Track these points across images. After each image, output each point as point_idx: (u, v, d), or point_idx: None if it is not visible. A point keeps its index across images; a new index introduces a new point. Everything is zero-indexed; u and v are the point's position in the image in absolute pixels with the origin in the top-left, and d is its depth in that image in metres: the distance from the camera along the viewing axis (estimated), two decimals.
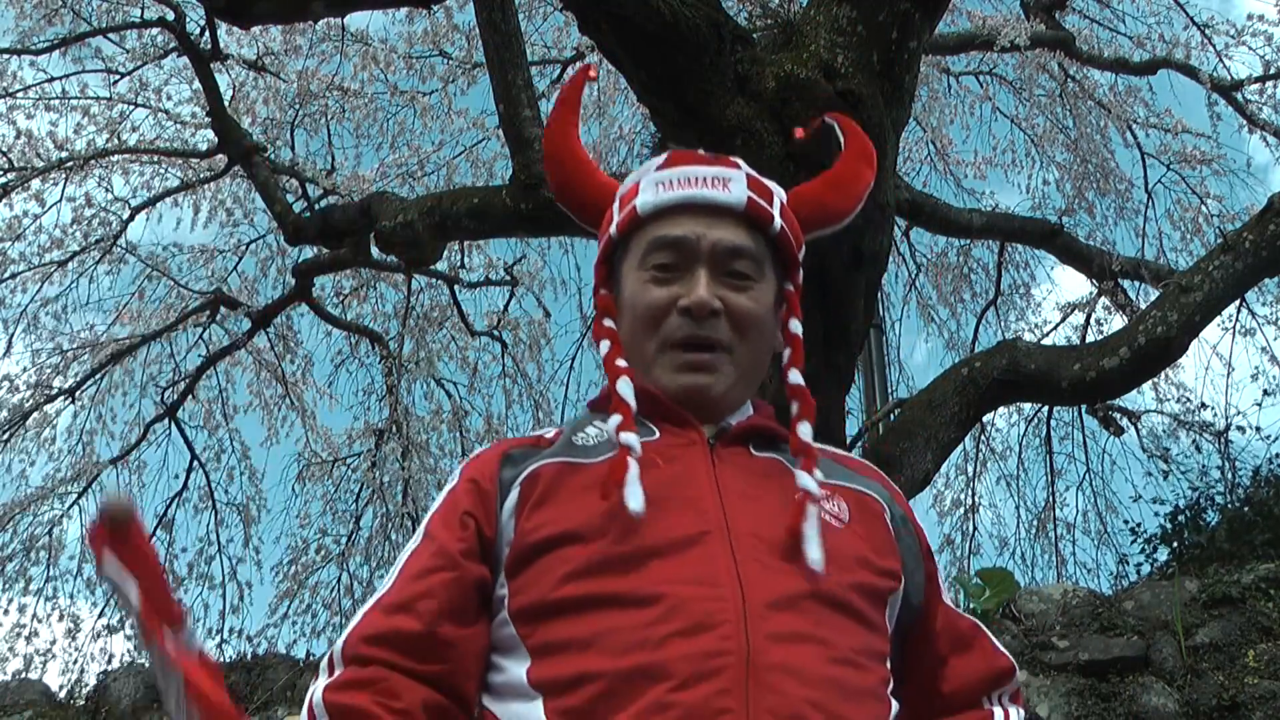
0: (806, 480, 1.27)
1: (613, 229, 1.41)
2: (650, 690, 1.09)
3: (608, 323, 1.39)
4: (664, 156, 1.46)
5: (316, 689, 1.20)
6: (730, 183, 1.40)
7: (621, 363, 1.33)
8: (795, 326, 1.44)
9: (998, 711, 1.39)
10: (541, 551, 1.22)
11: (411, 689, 1.18)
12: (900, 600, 1.33)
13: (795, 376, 1.40)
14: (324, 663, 1.23)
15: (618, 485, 1.19)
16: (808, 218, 1.48)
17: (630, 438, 1.24)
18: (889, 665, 1.28)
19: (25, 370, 8.65)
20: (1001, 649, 1.46)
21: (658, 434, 1.31)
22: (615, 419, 1.26)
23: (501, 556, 1.25)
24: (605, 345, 1.37)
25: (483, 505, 1.27)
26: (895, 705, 1.25)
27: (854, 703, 1.16)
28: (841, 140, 1.63)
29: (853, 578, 1.25)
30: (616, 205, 1.43)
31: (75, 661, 8.33)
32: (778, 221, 1.41)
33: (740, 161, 1.45)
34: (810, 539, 1.20)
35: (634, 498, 1.18)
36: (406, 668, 1.19)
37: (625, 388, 1.30)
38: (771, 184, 1.46)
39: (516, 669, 1.19)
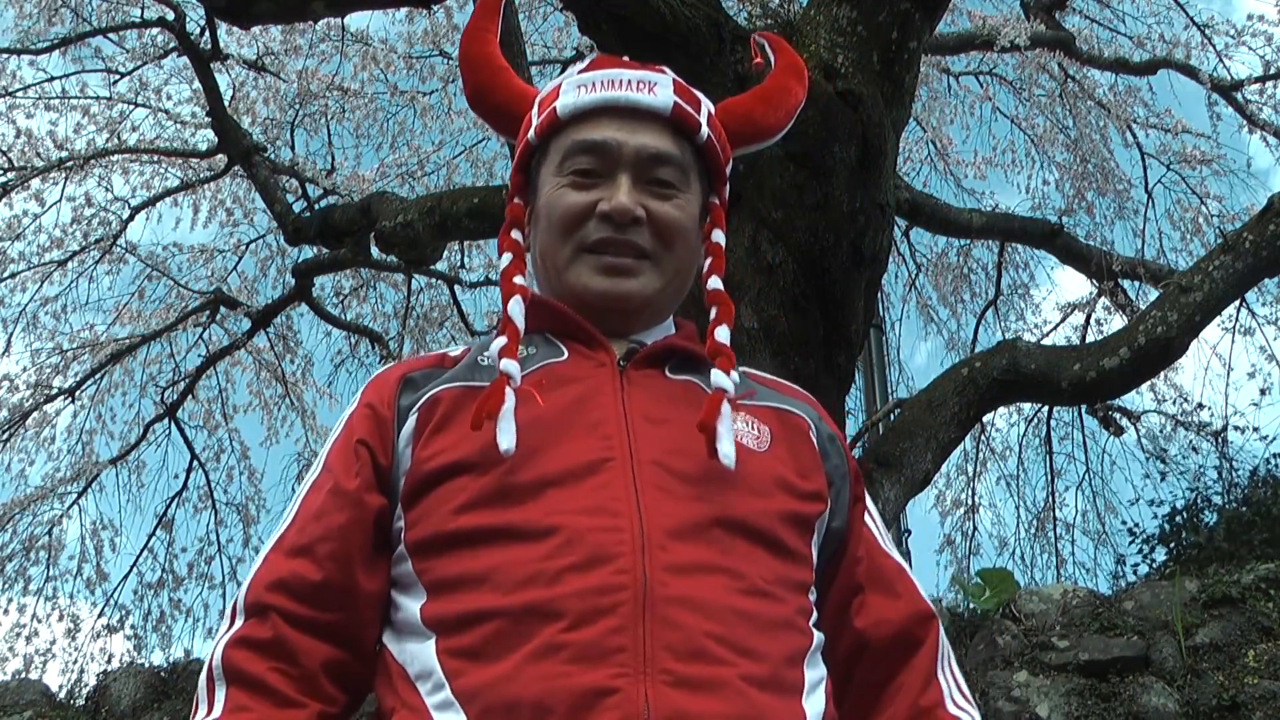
0: (721, 378, 1.22)
1: (531, 134, 1.34)
2: (542, 630, 1.04)
3: (515, 235, 1.32)
4: (586, 62, 1.40)
5: (218, 644, 1.17)
6: (656, 86, 1.33)
7: (520, 280, 1.26)
8: (718, 236, 1.39)
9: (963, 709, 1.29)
10: (437, 481, 1.16)
11: (311, 649, 1.15)
12: (826, 523, 1.28)
13: (715, 282, 1.36)
14: (228, 609, 1.20)
15: (489, 417, 1.13)
16: (736, 131, 1.41)
17: (511, 365, 1.16)
18: (812, 595, 1.23)
19: (25, 370, 8.66)
20: (923, 596, 1.35)
21: (566, 354, 1.26)
22: (499, 341, 1.19)
23: (398, 486, 1.19)
24: (506, 258, 1.29)
25: (379, 432, 1.21)
26: (819, 636, 1.20)
27: (766, 635, 1.10)
28: (771, 60, 1.56)
29: (772, 504, 1.19)
30: (535, 110, 1.36)
31: (75, 661, 8.35)
32: (704, 130, 1.35)
33: (667, 69, 1.38)
34: (723, 436, 1.15)
35: (505, 434, 1.12)
36: (306, 618, 1.16)
37: (516, 308, 1.22)
38: (699, 93, 1.40)
39: (412, 605, 1.15)
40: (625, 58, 1.42)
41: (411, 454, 1.19)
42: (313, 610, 1.16)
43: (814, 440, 1.32)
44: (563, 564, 1.07)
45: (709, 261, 1.38)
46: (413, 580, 1.16)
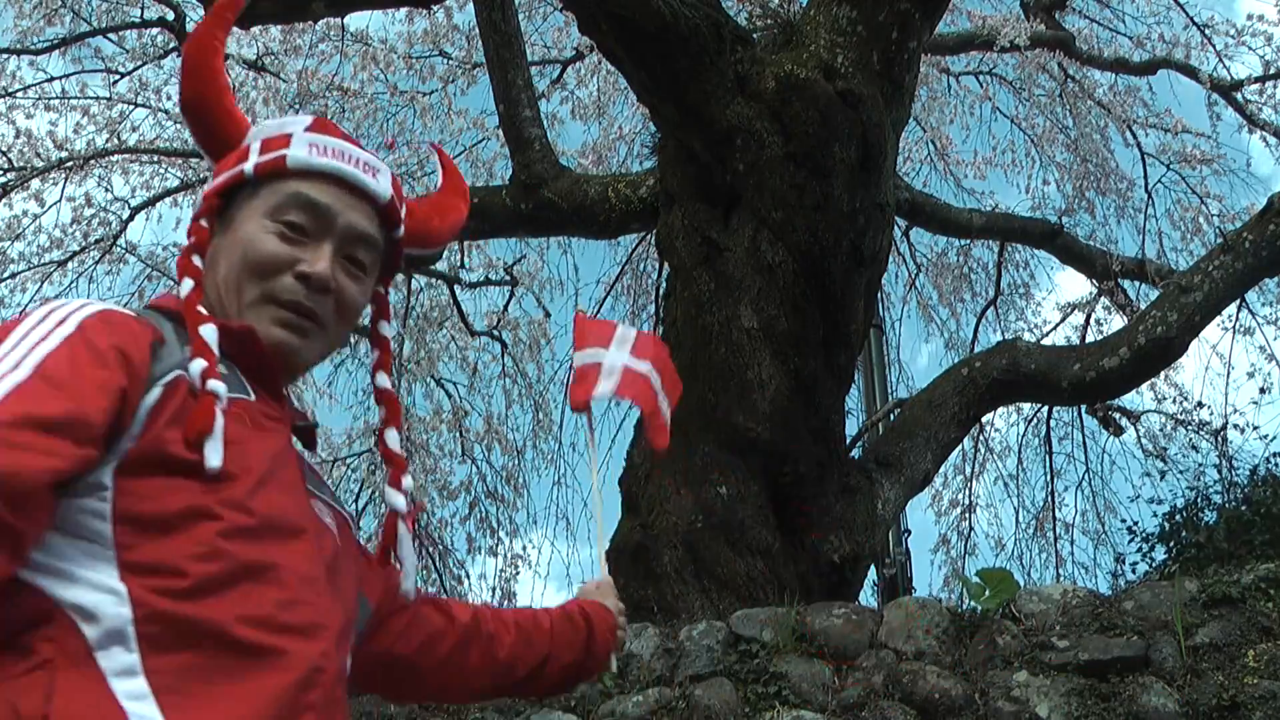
0: (397, 500, 1.31)
1: (248, 166, 1.36)
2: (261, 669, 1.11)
3: (196, 260, 1.32)
4: (310, 119, 1.44)
5: None
6: (379, 174, 1.40)
7: (203, 310, 1.26)
8: (386, 329, 1.47)
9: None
10: (172, 469, 1.14)
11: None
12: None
13: (384, 380, 1.42)
14: None
15: (199, 435, 1.14)
16: (411, 233, 1.49)
17: (219, 386, 1.18)
18: None
19: None
20: None
21: (254, 397, 1.26)
22: (200, 363, 1.19)
23: (124, 448, 1.13)
24: (188, 285, 1.29)
25: (133, 388, 1.15)
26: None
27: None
28: (440, 177, 1.66)
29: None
30: (258, 144, 1.38)
31: None
32: (402, 228, 1.44)
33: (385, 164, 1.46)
34: (408, 558, 1.25)
35: (213, 454, 1.14)
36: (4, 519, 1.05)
37: (211, 335, 1.22)
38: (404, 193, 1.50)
39: (100, 562, 1.10)
40: (350, 139, 1.45)
41: (149, 426, 1.15)
42: (10, 512, 1.04)
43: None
44: (289, 620, 1.14)
45: (378, 355, 1.45)
46: (105, 540, 1.10)
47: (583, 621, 1.72)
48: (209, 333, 1.22)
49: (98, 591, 1.08)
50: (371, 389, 1.47)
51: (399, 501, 1.31)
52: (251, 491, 1.17)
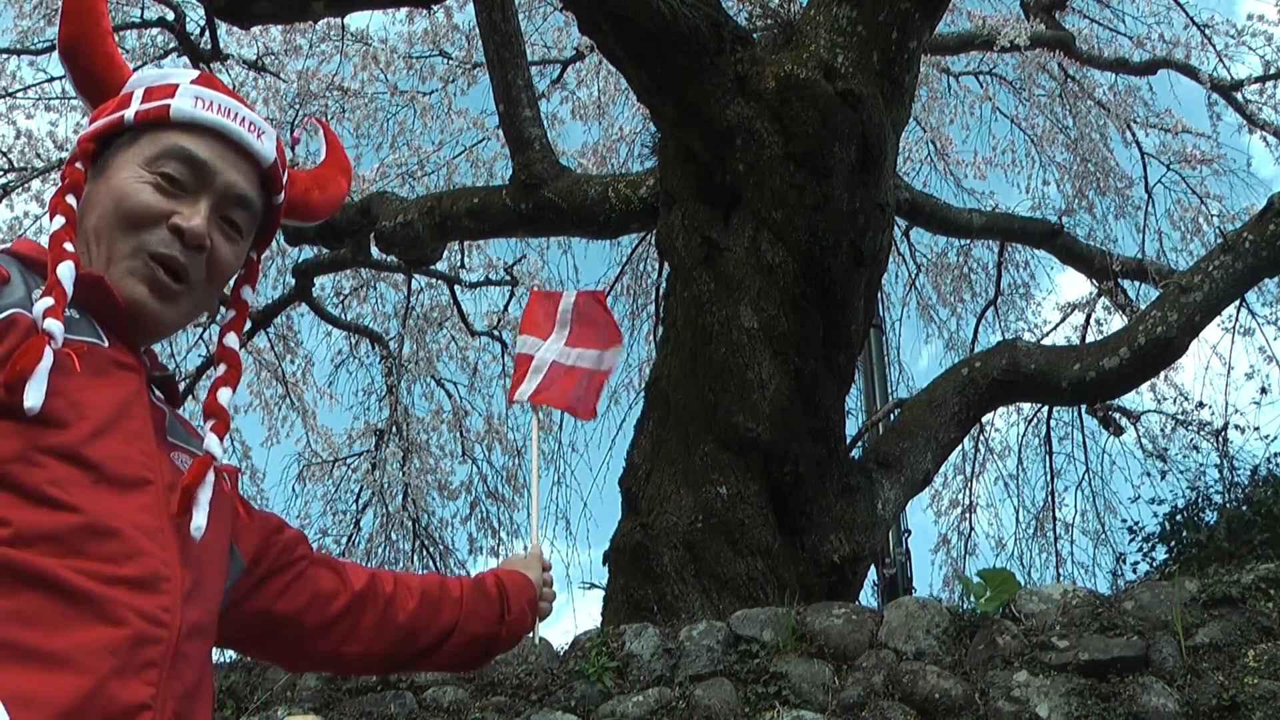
0: (213, 443, 1.26)
1: (129, 113, 1.32)
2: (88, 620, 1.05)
3: (70, 199, 1.27)
4: (197, 73, 1.41)
5: None
6: (264, 136, 1.37)
7: (69, 247, 1.21)
8: (248, 294, 1.44)
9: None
10: None
11: None
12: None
13: (232, 340, 1.39)
14: None
15: (20, 374, 1.08)
16: (291, 202, 1.47)
17: (55, 325, 1.12)
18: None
19: None
20: None
21: (106, 343, 1.22)
22: (46, 301, 1.13)
23: None
24: (59, 222, 1.24)
25: None
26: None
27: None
28: (323, 151, 1.65)
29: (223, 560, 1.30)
30: (140, 93, 1.34)
31: None
32: (283, 194, 1.42)
33: (268, 124, 1.43)
34: (201, 506, 1.18)
35: (33, 393, 1.08)
36: None
37: (67, 273, 1.17)
38: (288, 157, 1.47)
39: None
40: (238, 97, 1.42)
41: None
42: None
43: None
44: (121, 574, 1.08)
45: (232, 315, 1.42)
46: None
47: (496, 592, 1.68)
48: (65, 271, 1.17)
49: None
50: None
51: (215, 447, 1.26)
52: (87, 439, 1.12)
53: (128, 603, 1.07)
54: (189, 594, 1.15)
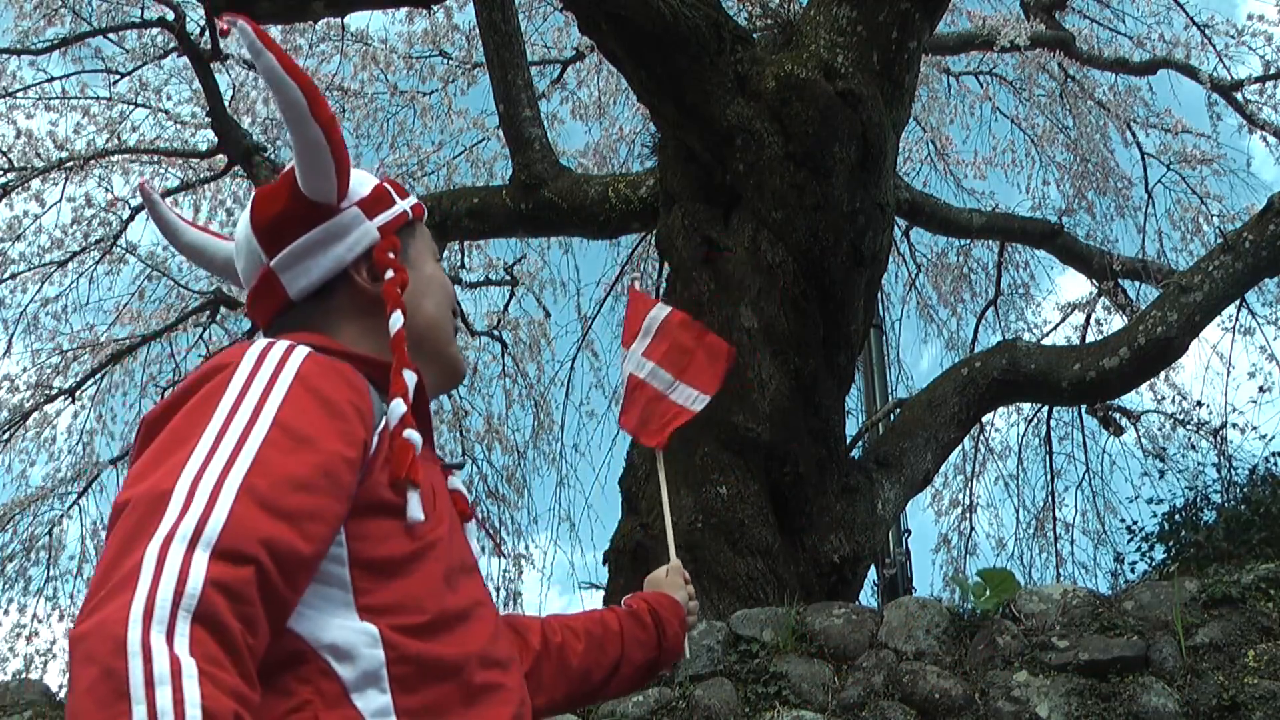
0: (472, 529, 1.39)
1: (408, 207, 1.43)
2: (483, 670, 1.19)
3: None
4: (376, 179, 1.49)
5: (199, 562, 0.97)
6: None
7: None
8: None
9: None
10: (384, 512, 1.17)
11: (263, 626, 1.02)
12: None
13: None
14: (185, 532, 0.98)
15: (403, 480, 1.18)
16: None
17: (416, 437, 1.20)
18: None
19: (25, 370, 8.66)
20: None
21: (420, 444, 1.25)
22: (400, 408, 1.21)
23: (354, 495, 1.15)
24: (398, 320, 1.28)
25: (365, 441, 1.16)
26: None
27: None
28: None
29: None
30: (392, 190, 1.45)
31: None
32: None
33: None
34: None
35: (415, 506, 1.18)
36: (274, 591, 1.01)
37: (411, 379, 1.25)
38: None
39: (339, 605, 1.12)
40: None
41: (370, 474, 1.17)
42: (285, 586, 1.03)
43: None
44: (497, 654, 1.23)
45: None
46: (344, 584, 1.13)
47: (651, 620, 1.74)
48: (411, 378, 1.25)
49: (350, 633, 1.11)
50: None
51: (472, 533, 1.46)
52: (450, 531, 1.24)
53: (507, 683, 1.22)
54: None
